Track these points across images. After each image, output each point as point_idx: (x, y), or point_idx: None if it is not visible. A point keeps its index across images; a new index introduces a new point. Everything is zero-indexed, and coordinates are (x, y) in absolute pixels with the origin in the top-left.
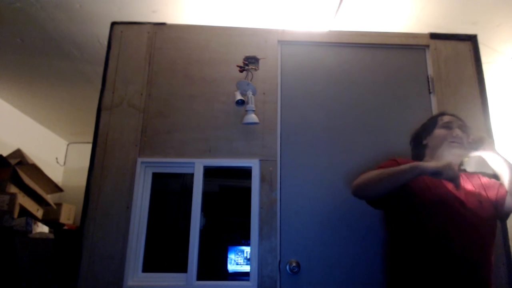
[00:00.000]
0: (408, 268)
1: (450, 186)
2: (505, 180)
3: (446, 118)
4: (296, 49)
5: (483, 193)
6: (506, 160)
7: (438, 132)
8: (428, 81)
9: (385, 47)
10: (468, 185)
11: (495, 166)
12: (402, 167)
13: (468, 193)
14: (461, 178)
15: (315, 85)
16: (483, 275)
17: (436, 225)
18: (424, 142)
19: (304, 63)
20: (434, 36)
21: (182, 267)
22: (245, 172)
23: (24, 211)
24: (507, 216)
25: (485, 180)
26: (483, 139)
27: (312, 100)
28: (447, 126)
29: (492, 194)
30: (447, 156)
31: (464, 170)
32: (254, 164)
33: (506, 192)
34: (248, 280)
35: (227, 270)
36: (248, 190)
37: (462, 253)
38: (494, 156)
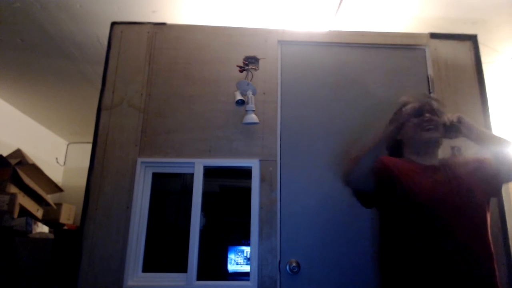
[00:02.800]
0: (404, 266)
1: (439, 180)
2: (493, 151)
3: (411, 106)
4: (296, 49)
5: (472, 178)
6: (487, 132)
7: (409, 124)
8: (428, 81)
9: (385, 47)
10: (456, 172)
11: (478, 142)
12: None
13: (458, 182)
14: (449, 164)
15: (315, 85)
16: (485, 265)
17: (431, 221)
18: (399, 138)
19: (304, 63)
20: (434, 36)
21: (182, 267)
22: (245, 172)
23: (24, 211)
24: (499, 188)
25: (472, 161)
26: (459, 118)
27: (312, 100)
28: (417, 114)
29: (480, 174)
30: (424, 144)
31: (454, 153)
32: (254, 164)
33: (491, 165)
34: (248, 280)
35: (227, 270)
36: (248, 190)
37: (459, 247)
38: (474, 131)
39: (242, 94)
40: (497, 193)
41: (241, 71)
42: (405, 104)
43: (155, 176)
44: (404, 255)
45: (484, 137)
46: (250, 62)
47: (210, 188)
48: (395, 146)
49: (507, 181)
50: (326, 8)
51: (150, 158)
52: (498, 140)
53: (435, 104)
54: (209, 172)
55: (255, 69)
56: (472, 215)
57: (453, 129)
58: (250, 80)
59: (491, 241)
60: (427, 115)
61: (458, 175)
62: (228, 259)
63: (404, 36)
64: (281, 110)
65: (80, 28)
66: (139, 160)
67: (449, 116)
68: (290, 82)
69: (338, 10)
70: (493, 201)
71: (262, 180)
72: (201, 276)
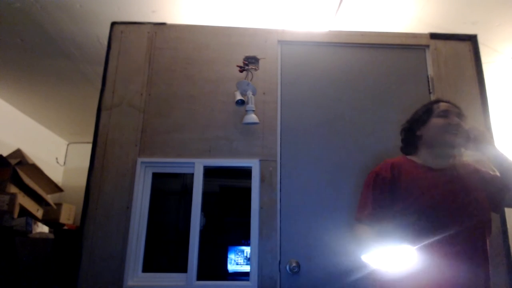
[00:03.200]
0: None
1: (443, 186)
2: (505, 177)
3: (442, 106)
4: (296, 49)
5: (478, 188)
6: (506, 157)
7: (435, 121)
8: (428, 81)
9: (385, 47)
10: (464, 181)
11: (494, 162)
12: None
13: (462, 190)
14: (459, 172)
15: (315, 85)
16: (480, 274)
17: (428, 226)
18: (418, 133)
19: (304, 63)
20: (434, 36)
21: (182, 267)
22: (245, 172)
23: (24, 211)
24: (500, 208)
25: (482, 173)
26: (483, 133)
27: (312, 100)
28: (444, 115)
29: (486, 188)
30: (445, 147)
31: (463, 161)
32: (254, 164)
33: (502, 187)
34: (248, 280)
35: (227, 270)
36: (248, 190)
37: (455, 254)
38: (494, 152)
39: (242, 94)
40: (497, 211)
41: (241, 71)
42: (436, 102)
43: (155, 176)
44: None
45: (501, 160)
46: (250, 62)
47: (210, 188)
48: (412, 140)
49: (508, 206)
50: (326, 8)
51: (150, 158)
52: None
53: (461, 112)
54: (209, 172)
55: (255, 69)
56: (472, 223)
57: (474, 142)
58: (250, 80)
59: (488, 250)
60: (455, 119)
61: (465, 183)
62: (228, 259)
63: (404, 36)
64: (281, 110)
65: (80, 28)
66: (139, 160)
67: (473, 128)
68: (290, 82)
69: (338, 10)
70: None
71: (262, 180)
72: (201, 276)
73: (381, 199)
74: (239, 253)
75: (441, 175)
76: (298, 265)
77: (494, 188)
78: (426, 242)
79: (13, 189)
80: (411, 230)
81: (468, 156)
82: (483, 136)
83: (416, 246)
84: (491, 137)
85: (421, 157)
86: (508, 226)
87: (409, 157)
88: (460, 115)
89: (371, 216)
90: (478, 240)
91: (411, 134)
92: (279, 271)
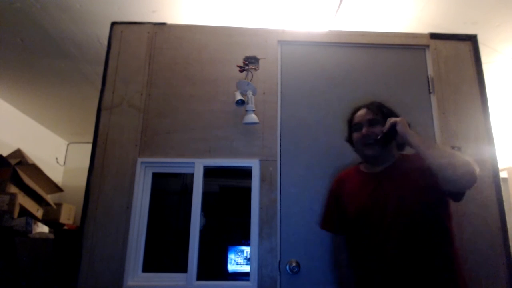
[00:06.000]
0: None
1: (375, 191)
2: (425, 158)
3: (356, 118)
4: (296, 49)
5: (418, 183)
6: (419, 137)
7: (354, 136)
8: (428, 81)
9: (385, 47)
10: (401, 178)
11: (413, 146)
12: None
13: (397, 190)
14: (394, 166)
15: (315, 85)
16: (431, 277)
17: (361, 236)
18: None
19: (304, 63)
20: (434, 36)
21: (182, 267)
22: (245, 172)
23: (24, 211)
24: (451, 195)
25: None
26: (393, 124)
27: (312, 100)
28: (357, 128)
29: (429, 173)
30: (368, 158)
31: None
32: (254, 164)
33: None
34: (248, 280)
35: (227, 270)
36: (248, 190)
37: (390, 262)
38: (408, 137)
39: (242, 94)
40: (454, 198)
41: (241, 71)
42: (354, 112)
43: (155, 176)
44: (354, 269)
45: (423, 146)
46: (250, 62)
47: (210, 188)
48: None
49: (448, 189)
50: (326, 8)
51: (150, 158)
52: (439, 150)
53: (374, 116)
54: (209, 172)
55: (255, 69)
56: (412, 225)
57: (390, 136)
58: (250, 80)
59: (445, 249)
60: (364, 129)
61: (402, 183)
62: (228, 259)
63: (404, 36)
64: (281, 110)
65: (80, 28)
66: (139, 160)
67: (384, 126)
68: (290, 82)
69: (338, 10)
70: (492, 200)
71: (262, 180)
72: (201, 276)
73: (330, 210)
74: (239, 253)
75: (373, 178)
76: (298, 265)
77: (430, 177)
78: (360, 250)
79: (13, 189)
80: (353, 239)
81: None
82: (392, 127)
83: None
84: (403, 123)
85: (364, 167)
86: (508, 226)
87: (361, 164)
88: (374, 120)
89: (324, 224)
90: (418, 241)
91: (351, 144)
92: (279, 271)
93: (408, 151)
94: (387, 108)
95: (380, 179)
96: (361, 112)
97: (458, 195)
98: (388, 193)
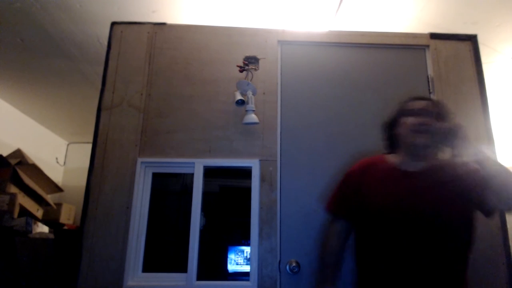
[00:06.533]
0: (365, 273)
1: (410, 189)
2: (488, 174)
3: (414, 104)
4: (296, 49)
5: (456, 188)
6: (481, 153)
7: (403, 120)
8: (428, 81)
9: (385, 47)
10: (436, 189)
11: (470, 158)
12: (322, 273)
13: (434, 192)
14: (434, 177)
15: (315, 85)
16: (449, 278)
17: (386, 231)
18: (394, 131)
19: (304, 63)
20: (434, 36)
21: (182, 267)
22: (245, 172)
23: (24, 211)
24: (488, 211)
25: (466, 168)
26: (455, 129)
27: (312, 100)
28: (413, 114)
29: (470, 184)
30: (411, 147)
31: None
32: (254, 164)
33: (483, 184)
34: (248, 280)
35: (227, 270)
36: (248, 190)
37: (413, 259)
38: (468, 148)
39: (242, 94)
40: (487, 214)
41: (241, 71)
42: (411, 100)
43: (155, 176)
44: (364, 262)
45: (482, 159)
46: (250, 62)
47: (210, 188)
48: (390, 139)
49: (493, 206)
50: (326, 8)
51: (150, 158)
52: (498, 167)
53: (440, 109)
54: (209, 172)
55: (255, 69)
56: (442, 228)
57: (448, 138)
58: (250, 80)
59: (466, 274)
60: (425, 118)
61: (437, 192)
62: (228, 259)
63: (404, 36)
64: (281, 110)
65: (80, 28)
66: (139, 160)
67: (447, 124)
68: (290, 82)
69: (338, 10)
70: None
71: (262, 180)
72: (201, 276)
73: (345, 195)
74: (239, 253)
75: (410, 177)
76: (298, 265)
77: (479, 187)
78: (380, 245)
79: (13, 189)
80: (367, 232)
81: (460, 155)
82: (454, 134)
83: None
84: (465, 133)
85: (400, 157)
86: (508, 226)
87: (390, 156)
88: (439, 114)
89: (333, 207)
90: (447, 256)
91: (391, 132)
92: (279, 271)
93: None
94: (446, 111)
95: (416, 179)
96: (422, 102)
97: (493, 213)
98: (424, 195)
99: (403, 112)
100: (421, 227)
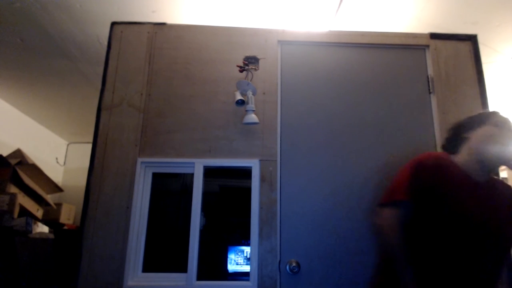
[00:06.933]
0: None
1: (481, 201)
2: None
3: (503, 118)
4: (296, 49)
5: (508, 207)
6: None
7: (488, 129)
8: (428, 81)
9: (385, 47)
10: (499, 199)
11: None
12: (405, 270)
13: (498, 209)
14: (496, 188)
15: (315, 85)
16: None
17: (463, 237)
18: (465, 135)
19: (304, 63)
20: (434, 36)
21: (182, 267)
22: (245, 172)
23: (24, 211)
24: None
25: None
26: None
27: (312, 100)
28: (501, 126)
29: None
30: (491, 158)
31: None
32: (254, 164)
33: None
34: (248, 280)
35: (227, 270)
36: (248, 190)
37: (480, 268)
38: None
39: (242, 94)
40: None
41: (241, 71)
42: (496, 112)
43: (155, 176)
44: (425, 259)
45: None
46: (250, 62)
47: (210, 188)
48: (455, 140)
49: None
50: (326, 8)
51: (150, 158)
52: None
53: None
54: (209, 172)
55: (255, 69)
56: (498, 242)
57: None
58: (250, 80)
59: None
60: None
61: (500, 201)
62: (228, 259)
63: (404, 36)
64: (281, 110)
65: (80, 28)
66: (139, 160)
67: None
68: (290, 82)
69: (338, 10)
70: None
71: (262, 180)
72: (201, 276)
73: (418, 185)
74: (239, 253)
75: (481, 189)
76: (298, 265)
77: None
78: (451, 251)
79: (13, 189)
80: (439, 235)
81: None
82: None
83: (440, 250)
84: None
85: (462, 161)
86: None
87: (454, 157)
88: None
89: (406, 195)
90: (499, 260)
91: (457, 134)
92: (279, 271)
93: None
94: None
95: (484, 190)
96: (508, 119)
97: None
98: (490, 207)
99: (485, 120)
100: (485, 234)
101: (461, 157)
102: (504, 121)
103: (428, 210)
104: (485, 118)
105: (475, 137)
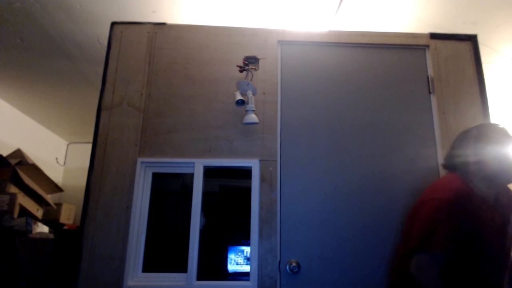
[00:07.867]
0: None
1: (496, 220)
2: None
3: (493, 128)
4: (296, 49)
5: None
6: None
7: (486, 142)
8: (428, 81)
9: (385, 47)
10: (507, 211)
11: None
12: None
13: (508, 221)
14: (503, 202)
15: (315, 85)
16: None
17: (485, 258)
18: (465, 152)
19: (304, 63)
20: (434, 36)
21: (182, 267)
22: (245, 172)
23: (24, 211)
24: None
25: None
26: None
27: (312, 100)
28: (498, 138)
29: None
30: (493, 171)
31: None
32: (254, 164)
33: None
34: (248, 280)
35: (227, 270)
36: (248, 190)
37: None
38: None
39: (242, 94)
40: None
41: (241, 71)
42: (505, 131)
43: (155, 176)
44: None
45: None
46: (250, 62)
47: (210, 188)
48: (455, 160)
49: None
50: (326, 8)
51: (150, 158)
52: None
53: None
54: (209, 172)
55: (255, 69)
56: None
57: None
58: (250, 80)
59: None
60: None
61: (507, 213)
62: (228, 259)
63: (404, 36)
64: (281, 110)
65: (80, 28)
66: (139, 160)
67: None
68: (290, 82)
69: (338, 10)
70: None
71: (262, 180)
72: (201, 276)
73: (452, 229)
74: (239, 253)
75: (494, 210)
76: (298, 265)
77: None
78: (479, 273)
79: (13, 189)
80: (471, 264)
81: None
82: None
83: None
84: None
85: (473, 182)
86: None
87: (463, 180)
88: None
89: (448, 245)
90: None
91: (457, 153)
92: (279, 271)
93: None
94: None
95: (497, 211)
96: None
97: None
98: (506, 224)
99: (503, 139)
100: (502, 250)
101: (468, 178)
102: (498, 130)
103: (465, 250)
104: (503, 135)
105: (490, 155)
